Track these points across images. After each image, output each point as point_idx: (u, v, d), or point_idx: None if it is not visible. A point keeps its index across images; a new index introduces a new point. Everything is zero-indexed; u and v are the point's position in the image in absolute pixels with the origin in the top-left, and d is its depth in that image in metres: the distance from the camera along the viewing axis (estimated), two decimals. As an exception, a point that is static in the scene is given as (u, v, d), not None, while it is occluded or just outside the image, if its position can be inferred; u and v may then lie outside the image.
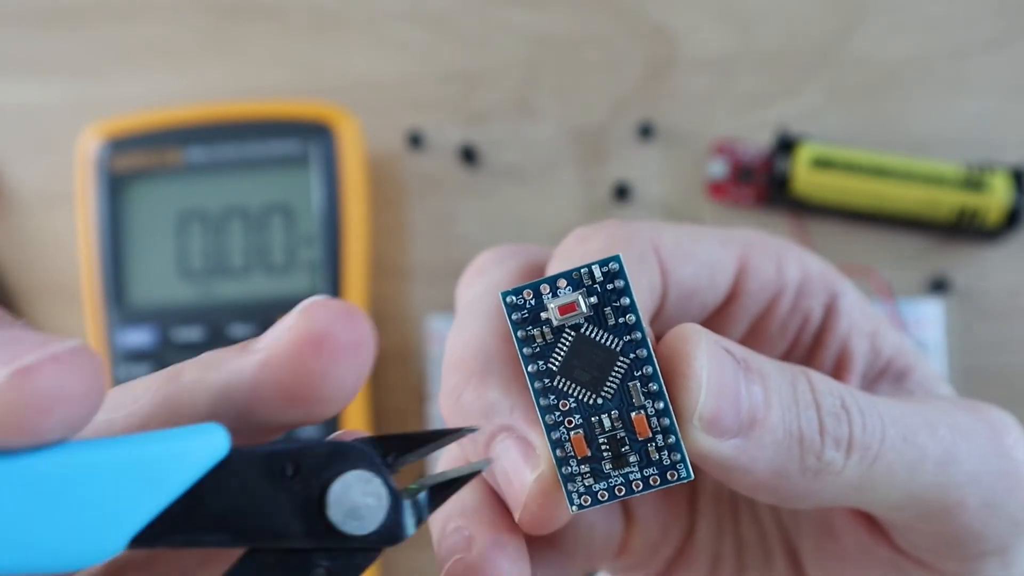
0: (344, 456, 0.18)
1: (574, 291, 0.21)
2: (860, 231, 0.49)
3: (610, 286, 0.21)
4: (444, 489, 0.20)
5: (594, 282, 0.22)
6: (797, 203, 0.48)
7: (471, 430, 0.21)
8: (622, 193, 0.50)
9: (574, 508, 0.21)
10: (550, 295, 0.22)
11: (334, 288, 0.49)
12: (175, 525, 0.17)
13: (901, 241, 0.48)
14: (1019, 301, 0.48)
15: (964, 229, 0.47)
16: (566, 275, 0.22)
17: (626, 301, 0.21)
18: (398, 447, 0.19)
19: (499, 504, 0.23)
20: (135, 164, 0.50)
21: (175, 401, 0.18)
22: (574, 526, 0.27)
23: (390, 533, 0.19)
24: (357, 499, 0.18)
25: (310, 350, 0.17)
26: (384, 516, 0.18)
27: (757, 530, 0.29)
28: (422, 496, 0.19)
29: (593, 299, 0.22)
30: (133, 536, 0.17)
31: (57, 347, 0.15)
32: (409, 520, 0.19)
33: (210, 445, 0.17)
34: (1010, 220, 0.46)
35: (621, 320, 0.22)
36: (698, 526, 0.29)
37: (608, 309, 0.22)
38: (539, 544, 0.26)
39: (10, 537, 0.15)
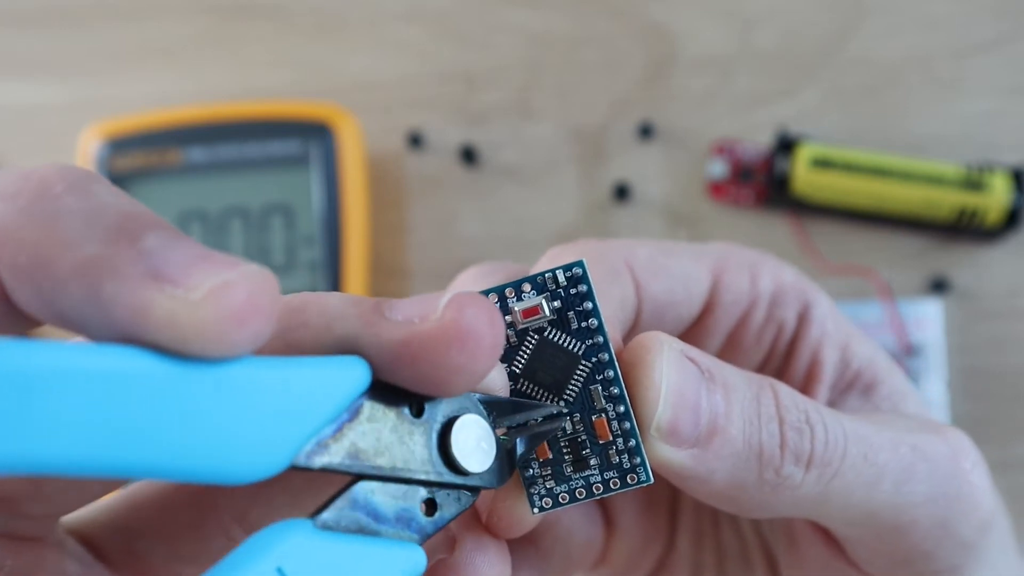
0: (459, 402, 0.20)
1: (538, 295, 0.22)
2: (860, 231, 0.49)
3: (573, 290, 0.22)
4: (532, 441, 0.21)
5: (558, 286, 0.22)
6: (797, 203, 0.48)
7: (559, 407, 0.22)
8: (622, 193, 0.50)
9: (535, 510, 0.22)
10: (515, 299, 0.22)
11: (334, 288, 0.49)
12: (326, 449, 0.18)
13: (901, 241, 0.48)
14: (1019, 301, 0.48)
15: (964, 229, 0.47)
16: (531, 279, 0.22)
17: (588, 305, 0.22)
18: (494, 408, 0.21)
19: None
20: (135, 164, 0.51)
21: (295, 338, 0.18)
22: (552, 529, 0.27)
23: (493, 477, 0.21)
24: (474, 440, 0.20)
25: (457, 344, 0.18)
26: (492, 461, 0.20)
27: (738, 540, 0.29)
28: (515, 447, 0.21)
29: (556, 303, 0.22)
30: (296, 453, 0.17)
31: (248, 267, 0.16)
32: (506, 469, 0.21)
33: (357, 376, 0.18)
34: (1010, 220, 0.46)
35: (584, 324, 0.22)
36: (679, 536, 0.29)
37: (571, 313, 0.22)
38: (519, 546, 0.26)
39: (192, 439, 0.16)
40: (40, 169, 0.17)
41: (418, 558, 0.19)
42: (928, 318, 0.47)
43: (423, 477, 0.19)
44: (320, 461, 0.18)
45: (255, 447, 0.17)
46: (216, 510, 0.21)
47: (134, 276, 0.15)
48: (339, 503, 0.18)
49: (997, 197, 0.46)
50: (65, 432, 0.15)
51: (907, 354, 0.46)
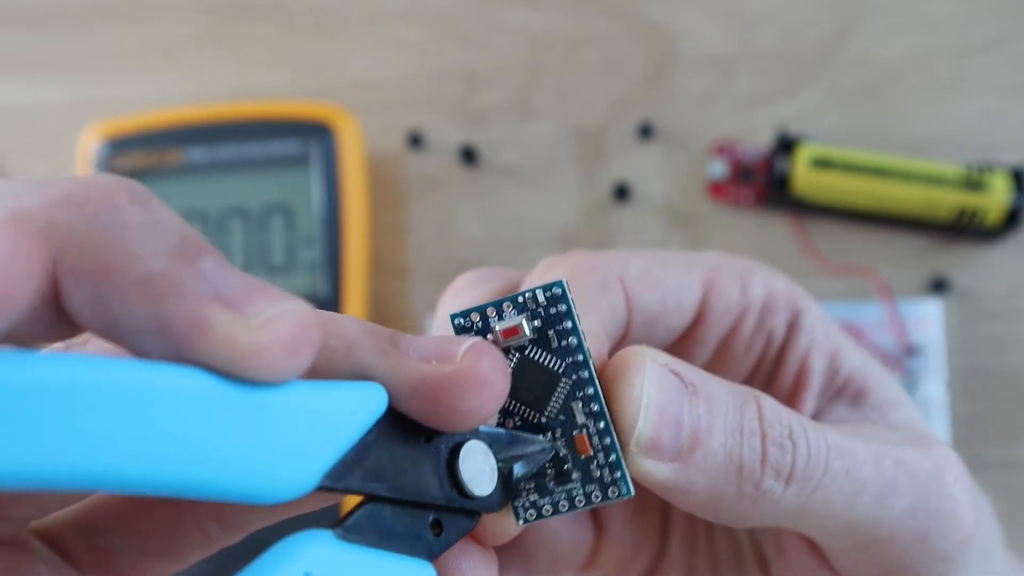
0: (464, 432, 0.21)
1: (519, 314, 0.22)
2: (860, 231, 0.49)
3: (553, 310, 0.22)
4: (527, 467, 0.22)
5: (538, 306, 0.22)
6: (797, 203, 0.48)
7: (552, 443, 0.22)
8: (622, 193, 0.50)
9: (520, 522, 0.22)
10: (496, 318, 0.22)
11: (334, 288, 0.49)
12: (348, 472, 0.19)
13: (901, 241, 0.48)
14: (1019, 301, 0.48)
15: (964, 229, 0.47)
16: (512, 299, 0.22)
17: (568, 324, 0.22)
18: (493, 440, 0.22)
19: None
20: (135, 164, 0.51)
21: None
22: (537, 530, 0.27)
23: (494, 501, 0.21)
24: (479, 466, 0.21)
25: (474, 390, 0.19)
26: (494, 485, 0.21)
27: (731, 545, 0.29)
28: (512, 472, 0.22)
29: (537, 322, 0.22)
30: (323, 475, 0.18)
31: (299, 302, 0.18)
32: (504, 494, 0.21)
33: (377, 402, 0.19)
34: (1010, 220, 0.46)
35: (563, 343, 0.22)
36: (671, 542, 0.29)
37: (551, 332, 0.22)
38: (504, 547, 0.26)
39: (235, 459, 0.16)
40: (102, 179, 0.17)
41: (430, 573, 0.20)
42: (928, 318, 0.47)
43: (433, 500, 0.20)
44: (343, 483, 0.18)
45: (289, 468, 0.17)
46: (192, 507, 0.22)
47: (197, 294, 0.16)
48: (356, 517, 0.19)
49: (997, 197, 0.46)
50: (115, 446, 0.15)
51: (907, 354, 0.46)
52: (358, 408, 0.19)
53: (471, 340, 0.20)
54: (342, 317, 0.20)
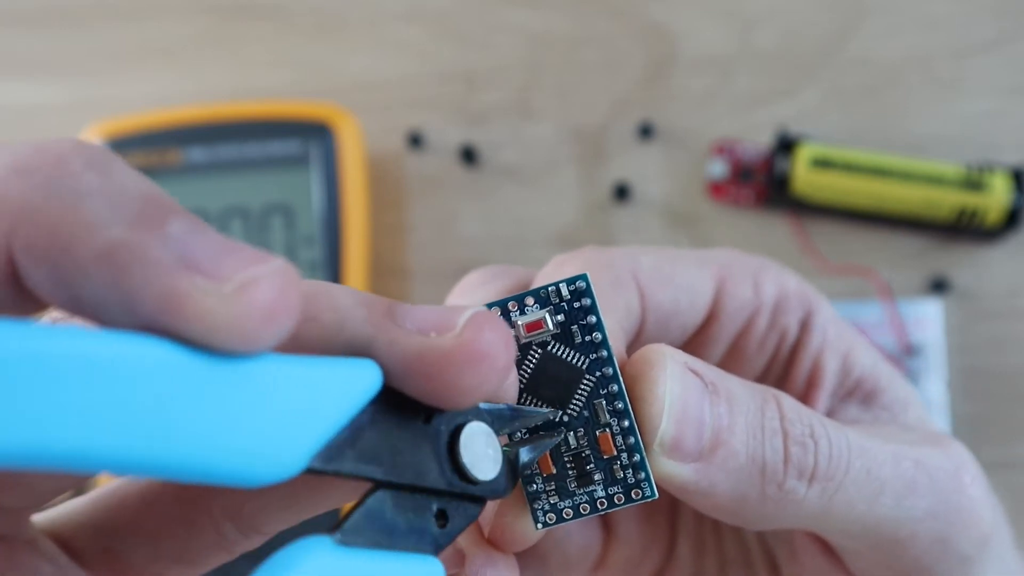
0: (465, 412, 0.20)
1: (541, 309, 0.22)
2: (860, 231, 0.49)
3: (577, 304, 0.22)
4: (535, 451, 0.21)
5: (561, 300, 0.22)
6: (797, 203, 0.48)
7: (556, 412, 0.22)
8: (622, 193, 0.50)
9: (539, 526, 0.22)
10: (518, 312, 0.22)
11: (334, 288, 0.49)
12: (339, 453, 0.18)
13: (901, 241, 0.48)
14: (1019, 301, 0.48)
15: (964, 229, 0.47)
16: (533, 293, 0.22)
17: (592, 319, 0.22)
18: (495, 417, 0.21)
19: None
20: (135, 164, 0.50)
21: (303, 332, 0.18)
22: (549, 533, 0.27)
23: (499, 486, 0.20)
24: (481, 448, 0.20)
25: (472, 365, 0.18)
26: (498, 469, 0.20)
27: (740, 548, 0.29)
28: (518, 457, 0.21)
29: (560, 317, 0.22)
30: (312, 456, 0.17)
31: (277, 262, 0.16)
32: (511, 478, 0.20)
33: (371, 380, 0.18)
34: (1010, 220, 0.46)
35: (588, 338, 0.22)
36: (679, 543, 0.29)
37: (575, 327, 0.22)
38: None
39: (211, 437, 0.15)
40: (55, 143, 0.16)
41: (436, 569, 0.19)
42: (928, 318, 0.47)
43: (433, 485, 0.19)
44: (334, 465, 0.17)
45: (272, 448, 0.16)
46: (207, 506, 0.21)
47: (163, 263, 0.15)
48: (355, 518, 0.18)
49: (997, 197, 0.46)
50: (81, 423, 0.14)
51: (907, 354, 0.46)
52: (349, 386, 0.17)
53: (472, 309, 0.18)
54: (337, 287, 0.18)
